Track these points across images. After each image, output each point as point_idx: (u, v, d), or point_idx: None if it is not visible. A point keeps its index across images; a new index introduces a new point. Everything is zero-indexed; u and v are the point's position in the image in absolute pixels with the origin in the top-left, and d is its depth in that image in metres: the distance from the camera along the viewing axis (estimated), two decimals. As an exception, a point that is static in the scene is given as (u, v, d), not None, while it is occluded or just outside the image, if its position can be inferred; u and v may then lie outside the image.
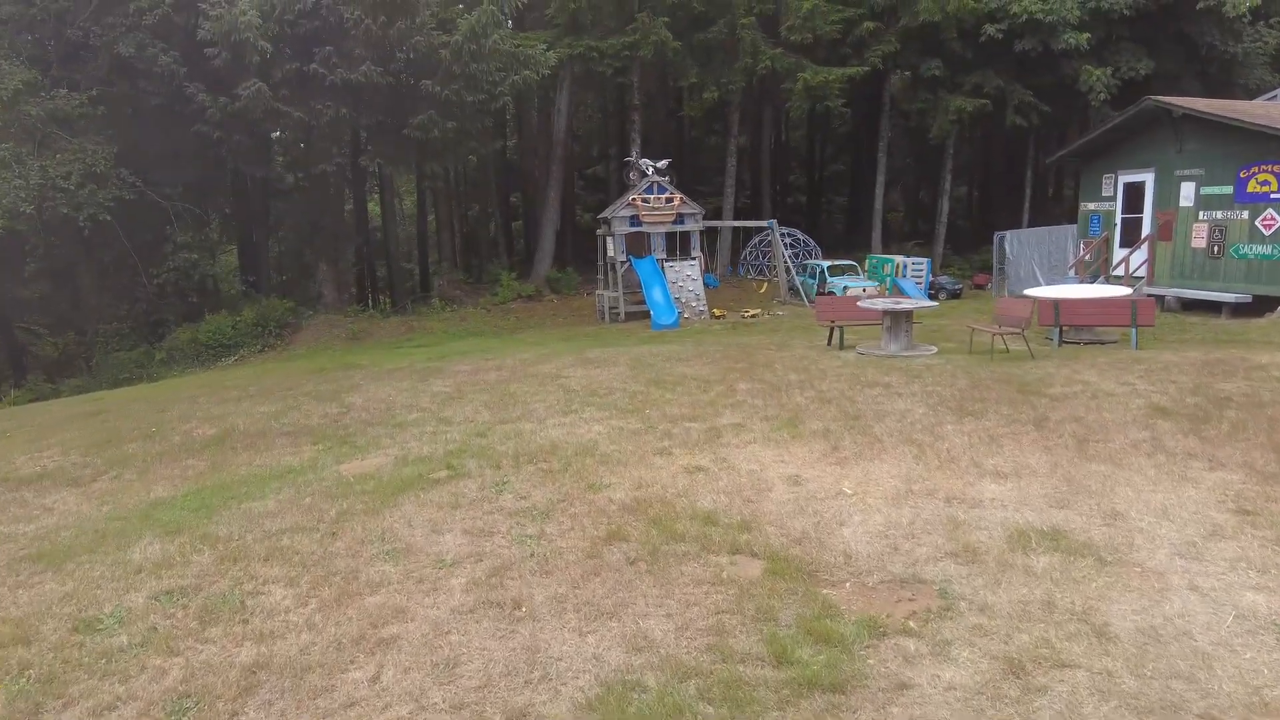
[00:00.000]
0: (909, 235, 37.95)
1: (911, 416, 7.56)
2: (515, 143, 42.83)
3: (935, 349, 12.16)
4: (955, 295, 24.41)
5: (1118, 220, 18.96)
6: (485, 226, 35.01)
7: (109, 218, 19.05)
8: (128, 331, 23.61)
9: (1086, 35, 22.93)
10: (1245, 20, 25.53)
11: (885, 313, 12.12)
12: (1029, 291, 14.19)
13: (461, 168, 38.98)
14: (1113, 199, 19.03)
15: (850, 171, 42.55)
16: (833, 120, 44.15)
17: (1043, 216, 32.80)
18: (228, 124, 19.60)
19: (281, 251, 32.39)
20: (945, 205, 29.59)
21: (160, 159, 22.16)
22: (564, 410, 8.53)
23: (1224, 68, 26.10)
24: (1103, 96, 23.79)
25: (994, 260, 25.12)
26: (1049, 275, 22.22)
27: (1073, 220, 33.00)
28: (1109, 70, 23.89)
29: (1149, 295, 15.32)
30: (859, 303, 12.65)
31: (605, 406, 8.64)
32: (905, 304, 12.19)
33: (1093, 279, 19.22)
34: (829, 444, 6.54)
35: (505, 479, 5.96)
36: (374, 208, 50.30)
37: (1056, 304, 12.40)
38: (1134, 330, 12.04)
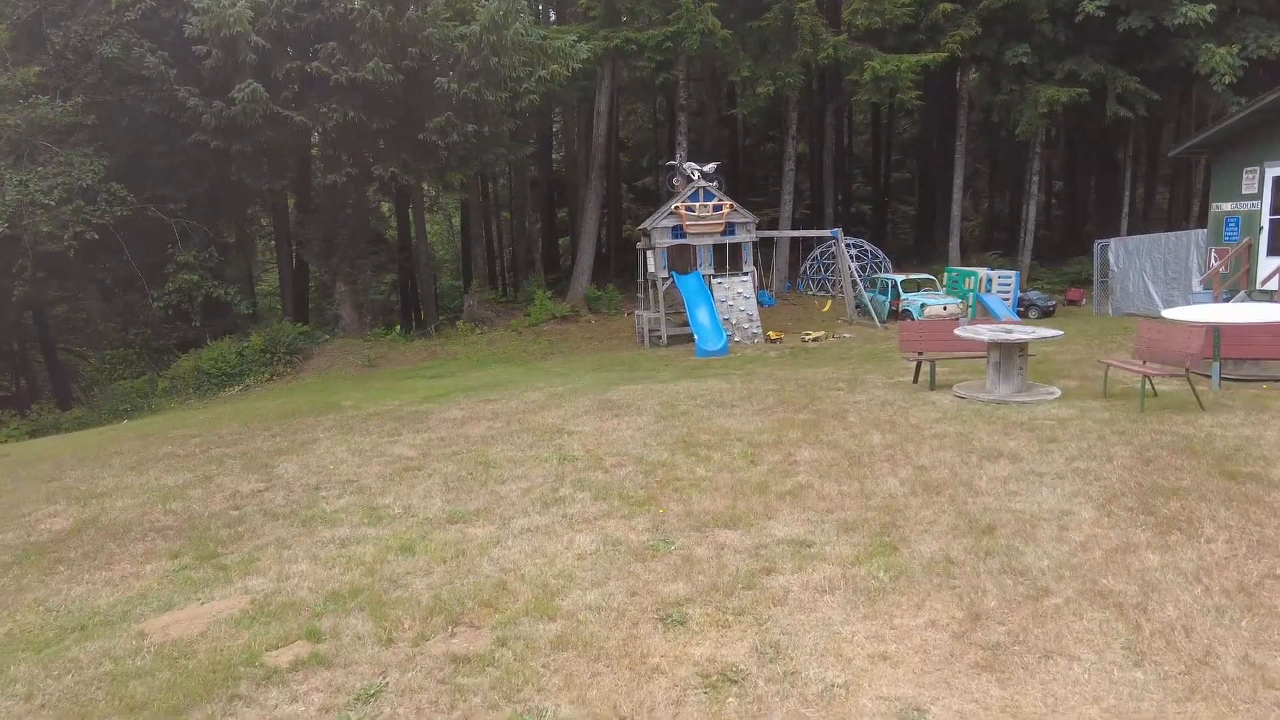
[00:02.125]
0: (985, 245, 34.50)
1: (1077, 529, 4.75)
2: (563, 155, 40.85)
3: (1057, 392, 9.23)
4: (1048, 313, 21.19)
5: (1264, 222, 15.58)
6: (524, 242, 32.81)
7: (97, 236, 17.29)
8: (134, 358, 21.98)
9: (1210, 7, 19.52)
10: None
11: (992, 345, 9.26)
12: (1169, 313, 11.08)
13: (507, 180, 37.06)
14: (1257, 197, 15.66)
15: (917, 178, 39.26)
16: (898, 125, 40.98)
17: (1138, 223, 29.12)
18: (226, 131, 17.70)
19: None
20: (1031, 211, 26.20)
21: (166, 171, 20.48)
22: (545, 499, 5.94)
23: (1370, 44, 22.25)
24: (1227, 80, 20.30)
25: (1094, 273, 21.77)
26: (1165, 290, 18.85)
27: (1171, 228, 29.30)
28: (1234, 49, 20.39)
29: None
30: (956, 330, 9.80)
31: (606, 492, 6.02)
32: (1018, 333, 9.30)
33: (1229, 295, 15.86)
34: (961, 605, 3.80)
35: (381, 681, 3.41)
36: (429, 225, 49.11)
37: (1217, 330, 9.35)
38: (1331, 366, 8.92)
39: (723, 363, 15.38)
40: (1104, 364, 9.51)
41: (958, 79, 25.87)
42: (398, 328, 25.85)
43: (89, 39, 16.41)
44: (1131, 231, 25.44)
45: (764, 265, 26.65)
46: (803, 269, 27.05)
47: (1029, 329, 9.62)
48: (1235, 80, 20.55)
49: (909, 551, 4.52)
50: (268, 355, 20.66)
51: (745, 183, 38.82)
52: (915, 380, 10.56)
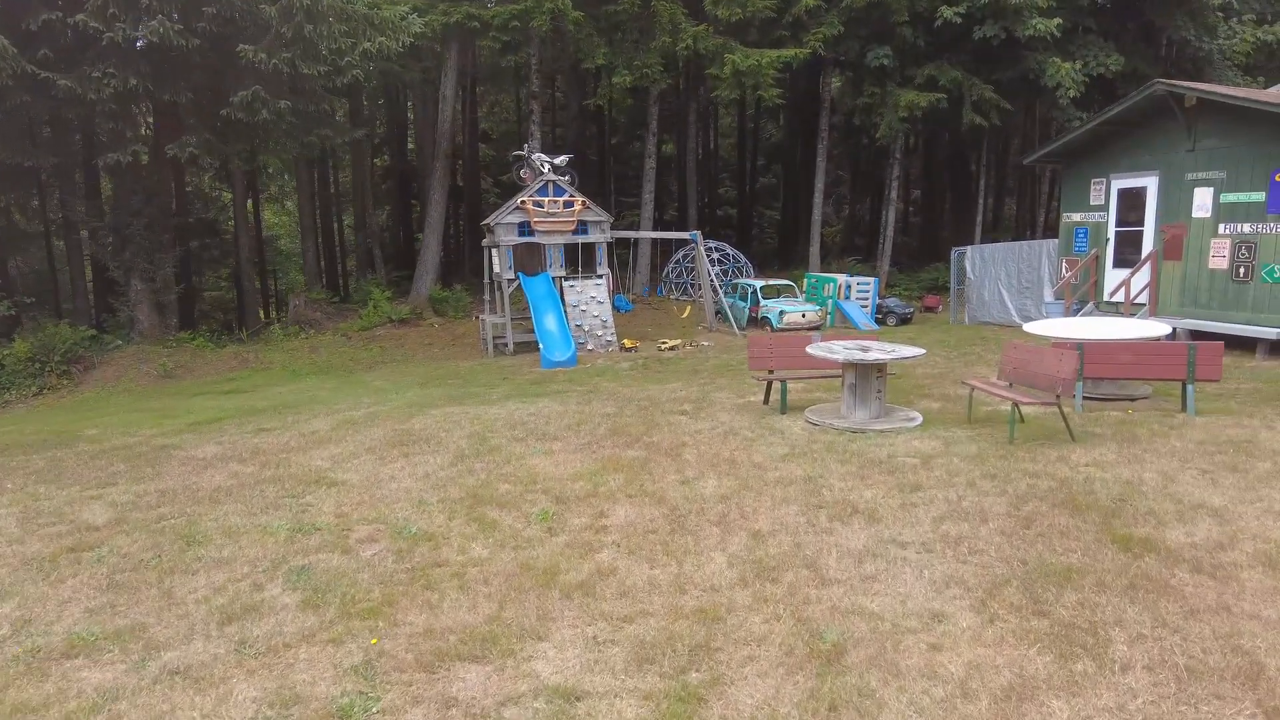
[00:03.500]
0: (846, 251, 34.61)
1: (953, 649, 3.45)
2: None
3: (919, 418, 8.21)
4: (905, 320, 20.89)
5: (1110, 234, 15.53)
6: (365, 234, 30.00)
7: None
8: None
9: (1057, 21, 19.68)
10: (1219, 15, 22.88)
11: (847, 365, 8.13)
12: (1030, 328, 10.43)
13: (359, 169, 34.09)
14: (1104, 208, 15.60)
15: (782, 184, 39.14)
16: (764, 129, 40.78)
17: (990, 232, 29.79)
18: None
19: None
20: (891, 217, 26.11)
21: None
22: (232, 608, 4.15)
23: (1195, 67, 23.36)
24: (1071, 94, 20.60)
25: (951, 280, 21.67)
26: (1018, 299, 18.80)
27: (1018, 237, 30.16)
28: (1077, 64, 20.73)
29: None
30: (809, 348, 8.62)
31: (327, 592, 4.30)
32: (876, 352, 8.20)
33: (1080, 306, 15.78)
34: None
35: None
36: (270, 216, 44.82)
37: (1081, 348, 8.59)
38: (1189, 387, 8.32)
39: (568, 375, 13.82)
40: (968, 385, 8.57)
41: (821, 83, 25.43)
42: (241, 330, 22.80)
43: None
44: (984, 240, 25.79)
45: (628, 267, 25.35)
46: (665, 273, 25.92)
47: (887, 347, 8.55)
48: (1078, 95, 20.91)
49: (721, 706, 3.05)
50: (37, 365, 17.43)
51: (616, 182, 37.50)
52: (766, 401, 9.36)
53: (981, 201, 27.40)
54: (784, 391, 8.99)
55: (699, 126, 33.11)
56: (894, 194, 26.19)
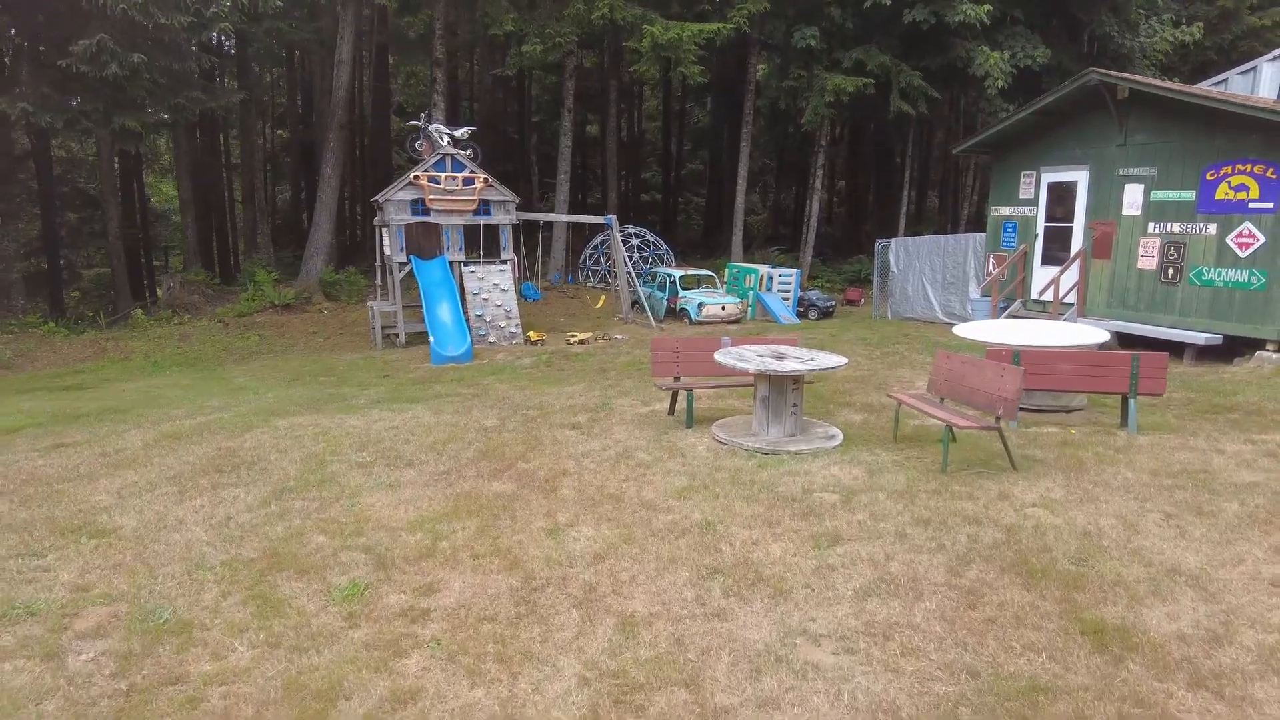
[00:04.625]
0: (770, 240, 33.86)
1: None
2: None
3: (839, 436, 7.14)
4: (827, 314, 20.07)
5: (1039, 230, 14.90)
6: (253, 209, 27.58)
7: None
8: None
9: (986, 8, 19.02)
10: (1141, 13, 22.72)
11: (760, 376, 7.00)
12: (960, 330, 9.49)
13: (247, 138, 31.45)
14: (1033, 202, 14.95)
15: (708, 169, 38.12)
16: (691, 114, 39.66)
17: (913, 225, 29.40)
18: None
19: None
20: (815, 206, 25.30)
21: None
22: None
23: (1117, 64, 23.16)
24: (999, 84, 20.04)
25: (874, 273, 20.95)
26: (943, 295, 18.14)
27: (941, 231, 29.91)
28: (1005, 55, 20.17)
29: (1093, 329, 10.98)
30: (717, 355, 7.43)
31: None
32: (792, 361, 7.07)
33: (1007, 304, 15.13)
34: None
35: None
36: (168, 189, 41.38)
37: (1017, 355, 7.67)
38: (1132, 402, 7.50)
39: (459, 374, 12.37)
40: (894, 398, 7.54)
41: (747, 64, 24.36)
42: (99, 315, 20.33)
43: None
44: (908, 233, 25.26)
45: (542, 252, 23.88)
46: (582, 259, 24.52)
47: (805, 354, 7.44)
48: (1006, 85, 20.39)
49: None
50: None
51: (541, 162, 35.75)
52: (671, 411, 8.19)
53: (906, 193, 26.85)
54: (690, 402, 7.81)
55: (621, 106, 31.71)
56: (819, 183, 25.38)
